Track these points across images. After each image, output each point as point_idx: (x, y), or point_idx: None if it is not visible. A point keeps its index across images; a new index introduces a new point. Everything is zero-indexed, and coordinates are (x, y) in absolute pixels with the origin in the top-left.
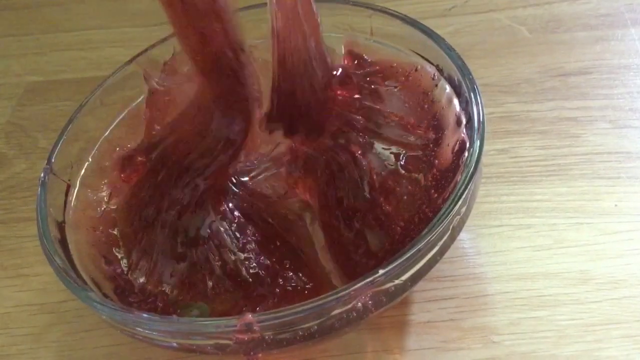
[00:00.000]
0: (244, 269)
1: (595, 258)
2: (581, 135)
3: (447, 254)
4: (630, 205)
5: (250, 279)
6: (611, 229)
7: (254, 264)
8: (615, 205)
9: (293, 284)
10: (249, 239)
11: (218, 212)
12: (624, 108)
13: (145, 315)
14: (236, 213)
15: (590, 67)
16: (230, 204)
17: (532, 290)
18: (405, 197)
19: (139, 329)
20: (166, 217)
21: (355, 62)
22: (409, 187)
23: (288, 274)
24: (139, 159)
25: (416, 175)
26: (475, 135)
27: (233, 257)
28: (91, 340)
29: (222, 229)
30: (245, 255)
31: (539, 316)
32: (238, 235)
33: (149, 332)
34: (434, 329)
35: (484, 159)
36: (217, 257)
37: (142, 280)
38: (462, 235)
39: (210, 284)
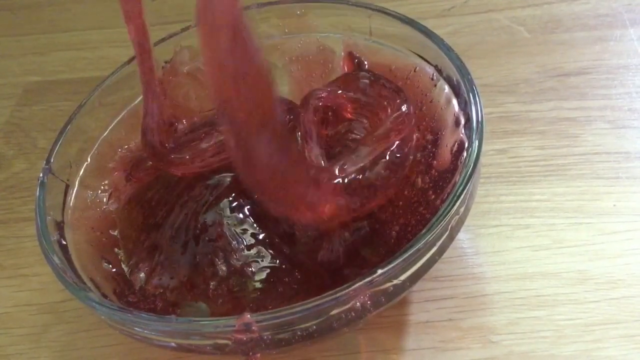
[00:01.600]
0: (248, 270)
1: (593, 258)
2: (580, 136)
3: (445, 254)
4: (628, 205)
5: (254, 280)
6: (610, 228)
7: (260, 265)
8: (614, 205)
9: (296, 284)
10: (256, 239)
11: (229, 211)
12: (622, 108)
13: (143, 315)
14: (246, 213)
15: (589, 67)
16: (244, 204)
17: (530, 290)
18: (400, 203)
19: (137, 328)
20: (176, 217)
21: (355, 62)
22: (405, 192)
23: (293, 273)
24: (151, 162)
25: (413, 178)
26: (473, 136)
27: (238, 259)
28: (90, 340)
29: (228, 230)
30: (251, 256)
31: (538, 316)
32: (244, 235)
33: (148, 332)
34: (432, 329)
35: (482, 159)
36: (221, 260)
37: (142, 280)
38: (461, 235)
39: (212, 284)
